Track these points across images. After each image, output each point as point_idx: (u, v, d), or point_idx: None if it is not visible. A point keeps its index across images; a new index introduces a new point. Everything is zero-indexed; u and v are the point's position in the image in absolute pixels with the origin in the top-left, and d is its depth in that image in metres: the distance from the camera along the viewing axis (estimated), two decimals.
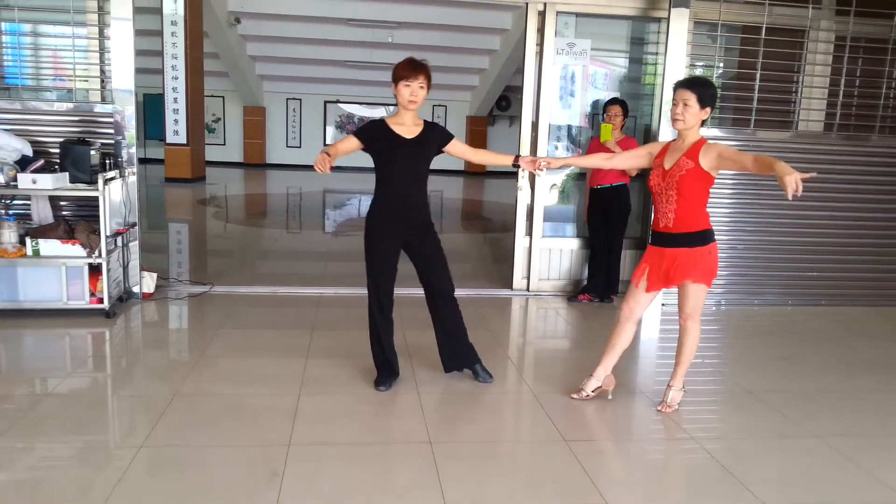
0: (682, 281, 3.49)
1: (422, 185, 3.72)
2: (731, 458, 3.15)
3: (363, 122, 4.01)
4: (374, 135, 3.63)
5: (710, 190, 3.47)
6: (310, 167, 3.67)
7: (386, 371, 3.83)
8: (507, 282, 6.26)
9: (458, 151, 3.84)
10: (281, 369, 4.03)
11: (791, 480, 2.99)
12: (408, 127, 3.63)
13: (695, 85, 3.41)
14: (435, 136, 3.71)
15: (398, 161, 3.62)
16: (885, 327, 5.71)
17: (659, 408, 3.67)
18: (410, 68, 3.54)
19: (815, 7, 6.01)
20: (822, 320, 5.85)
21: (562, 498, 2.78)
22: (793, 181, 2.91)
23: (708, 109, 3.40)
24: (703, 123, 3.49)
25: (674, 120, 3.44)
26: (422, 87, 3.56)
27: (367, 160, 3.59)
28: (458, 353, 3.92)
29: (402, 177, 3.64)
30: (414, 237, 3.70)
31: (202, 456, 2.98)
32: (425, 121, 3.73)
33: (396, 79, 3.57)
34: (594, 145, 5.84)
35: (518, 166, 3.90)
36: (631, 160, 3.91)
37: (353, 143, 3.64)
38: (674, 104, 3.43)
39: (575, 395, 3.76)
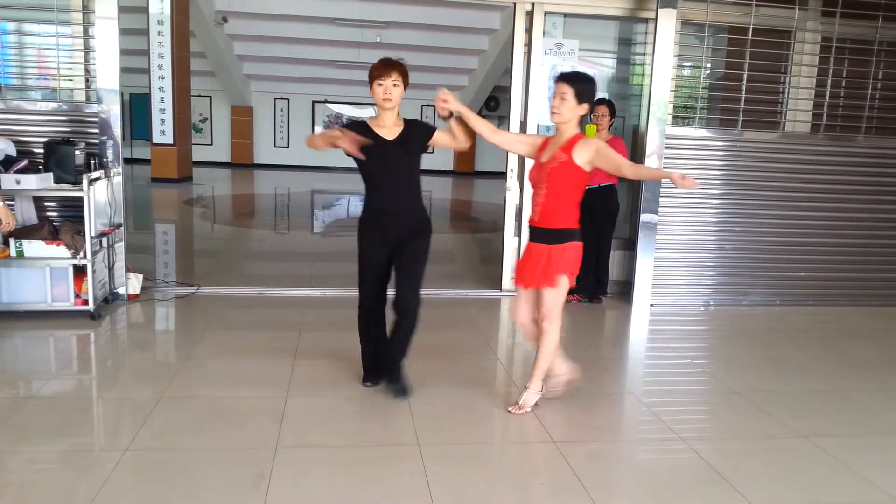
0: (546, 286, 3.43)
1: (409, 186, 3.58)
2: (718, 458, 3.16)
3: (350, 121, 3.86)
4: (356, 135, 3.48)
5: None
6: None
7: (369, 368, 3.84)
8: (496, 282, 6.25)
9: (443, 141, 3.62)
10: (268, 371, 4.01)
11: (778, 480, 3.00)
12: (389, 128, 3.53)
13: (574, 79, 3.39)
14: (418, 133, 3.57)
15: (381, 163, 3.50)
16: (872, 327, 5.75)
17: (510, 409, 3.56)
18: (382, 66, 3.46)
19: (801, 8, 6.04)
20: (810, 320, 5.88)
21: (550, 499, 2.78)
22: (679, 176, 3.09)
23: (585, 105, 3.38)
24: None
25: (551, 113, 3.42)
26: (395, 85, 3.45)
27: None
28: (384, 368, 3.77)
29: (386, 180, 3.53)
30: (402, 240, 3.56)
31: (188, 459, 2.95)
32: (405, 119, 3.60)
33: (371, 79, 3.50)
34: None
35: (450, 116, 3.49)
36: (514, 143, 3.75)
37: (333, 132, 3.50)
38: (553, 96, 3.40)
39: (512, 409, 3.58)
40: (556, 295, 3.44)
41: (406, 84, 3.51)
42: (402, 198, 3.56)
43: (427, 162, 3.79)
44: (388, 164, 3.50)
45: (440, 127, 3.68)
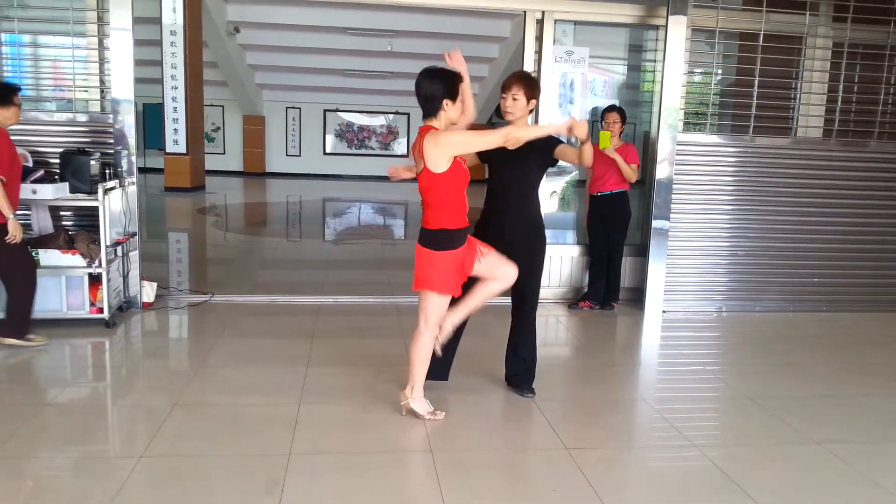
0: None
1: (521, 192, 3.78)
2: (732, 464, 3.15)
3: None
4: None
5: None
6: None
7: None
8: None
9: (567, 156, 3.75)
10: (281, 378, 4.03)
11: (792, 487, 2.98)
12: None
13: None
14: (541, 144, 3.64)
15: (500, 169, 3.78)
16: (886, 333, 5.70)
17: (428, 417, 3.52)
18: (506, 81, 3.67)
19: (812, 14, 6.02)
20: (823, 326, 5.84)
21: None
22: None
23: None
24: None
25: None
26: (515, 99, 3.61)
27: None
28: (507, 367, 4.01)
29: (502, 185, 3.80)
30: (514, 244, 3.71)
31: (202, 466, 2.98)
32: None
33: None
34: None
35: None
36: None
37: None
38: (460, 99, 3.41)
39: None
40: None
41: (530, 95, 3.64)
42: (514, 202, 3.76)
43: None
44: (506, 170, 3.75)
45: (572, 143, 3.73)
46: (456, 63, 3.53)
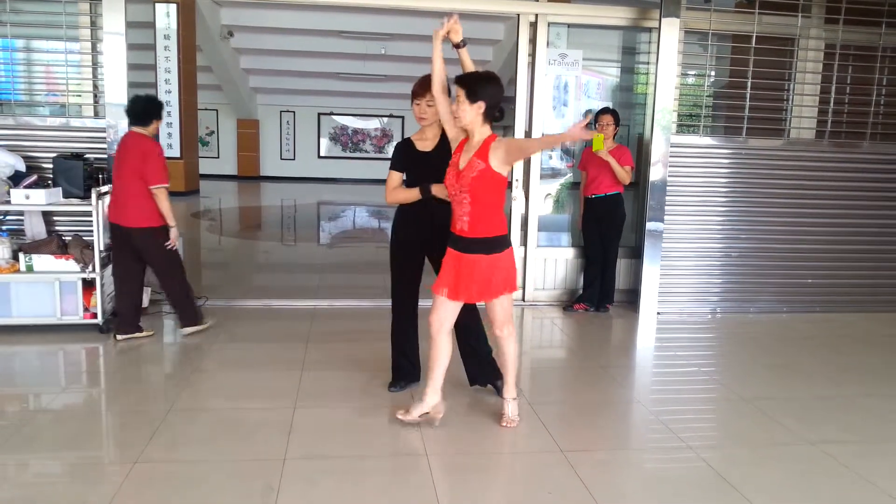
0: (494, 298, 3.35)
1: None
2: (727, 466, 3.15)
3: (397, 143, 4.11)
4: (401, 157, 3.74)
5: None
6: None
7: (397, 373, 3.97)
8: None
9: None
10: (276, 383, 4.02)
11: (788, 488, 2.99)
12: (430, 140, 3.72)
13: (464, 80, 3.29)
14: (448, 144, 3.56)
15: (418, 171, 3.71)
16: (881, 333, 5.72)
17: (504, 423, 3.51)
18: (419, 86, 3.63)
19: (804, 16, 6.05)
20: (817, 327, 5.86)
21: None
22: (577, 130, 3.04)
23: (481, 104, 3.21)
24: (495, 120, 3.31)
25: (454, 118, 3.34)
26: (430, 105, 3.58)
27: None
28: (476, 369, 3.95)
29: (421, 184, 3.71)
30: (435, 238, 3.63)
31: (197, 471, 2.96)
32: (443, 131, 3.61)
33: (411, 97, 3.67)
34: (587, 154, 5.87)
35: None
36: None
37: (396, 177, 3.73)
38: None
39: (400, 416, 3.47)
40: (510, 300, 3.44)
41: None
42: (436, 207, 3.66)
43: None
44: (423, 171, 3.68)
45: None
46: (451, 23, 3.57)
